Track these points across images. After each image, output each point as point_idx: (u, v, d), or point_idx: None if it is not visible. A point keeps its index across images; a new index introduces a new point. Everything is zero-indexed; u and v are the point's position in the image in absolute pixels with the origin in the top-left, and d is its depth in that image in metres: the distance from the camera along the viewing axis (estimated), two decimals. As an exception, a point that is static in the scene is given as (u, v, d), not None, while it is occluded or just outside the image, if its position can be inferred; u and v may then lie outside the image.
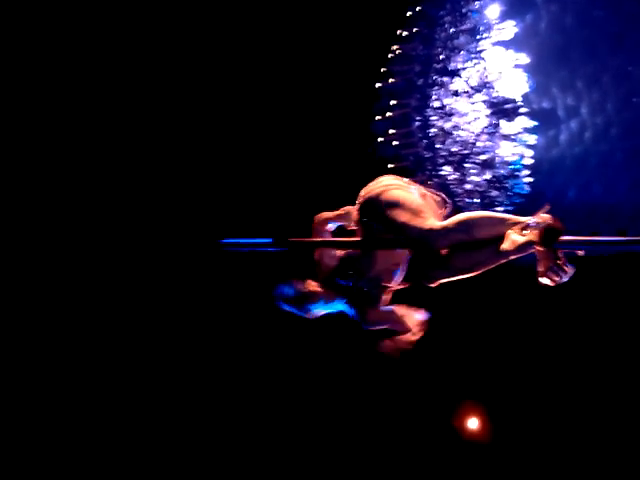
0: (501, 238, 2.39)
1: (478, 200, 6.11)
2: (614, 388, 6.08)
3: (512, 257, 2.37)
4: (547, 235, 2.29)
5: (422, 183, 2.82)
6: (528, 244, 2.32)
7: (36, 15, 5.68)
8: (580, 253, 2.41)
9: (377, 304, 2.71)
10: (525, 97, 6.06)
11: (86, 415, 6.03)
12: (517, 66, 6.00)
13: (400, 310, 2.77)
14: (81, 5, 5.78)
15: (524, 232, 2.35)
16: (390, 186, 2.66)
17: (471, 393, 6.54)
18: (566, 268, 2.37)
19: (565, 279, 2.39)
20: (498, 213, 2.56)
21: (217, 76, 6.15)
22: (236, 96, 6.17)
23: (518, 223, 2.39)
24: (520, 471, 6.26)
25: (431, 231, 2.43)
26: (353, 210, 2.82)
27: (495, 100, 6.03)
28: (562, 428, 6.23)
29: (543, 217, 2.33)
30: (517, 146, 6.07)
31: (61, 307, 5.93)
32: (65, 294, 5.93)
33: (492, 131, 6.05)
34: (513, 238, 2.34)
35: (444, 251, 2.43)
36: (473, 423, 6.52)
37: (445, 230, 2.42)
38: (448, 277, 2.49)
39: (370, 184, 2.74)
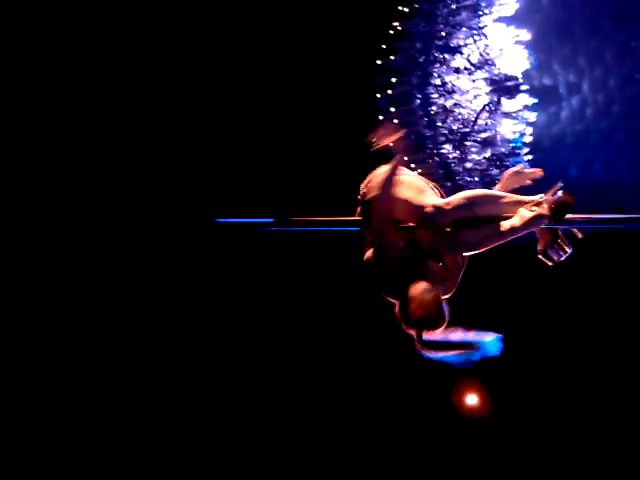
0: (506, 216, 2.41)
1: (478, 178, 6.11)
2: (614, 364, 6.13)
3: (521, 233, 2.36)
4: (558, 209, 2.30)
5: (419, 166, 2.80)
6: (537, 218, 2.33)
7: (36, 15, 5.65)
8: (579, 236, 2.44)
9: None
10: (526, 74, 6.02)
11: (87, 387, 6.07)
12: (518, 42, 5.96)
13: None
14: (81, 5, 5.75)
15: (533, 208, 2.36)
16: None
17: (469, 370, 6.59)
18: (565, 247, 2.41)
19: (564, 258, 2.43)
20: (502, 192, 2.57)
21: (217, 58, 6.10)
22: (236, 76, 6.12)
23: (522, 202, 2.40)
24: (519, 447, 6.34)
25: (434, 207, 2.45)
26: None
27: (496, 77, 6.00)
28: (560, 404, 6.29)
29: (553, 192, 2.34)
30: (518, 124, 6.06)
31: (58, 286, 5.94)
32: (63, 275, 5.94)
33: (493, 109, 6.03)
34: (522, 213, 2.36)
35: (448, 228, 2.44)
36: (472, 399, 6.59)
37: (448, 206, 2.44)
38: (455, 253, 2.50)
39: (368, 177, 2.73)
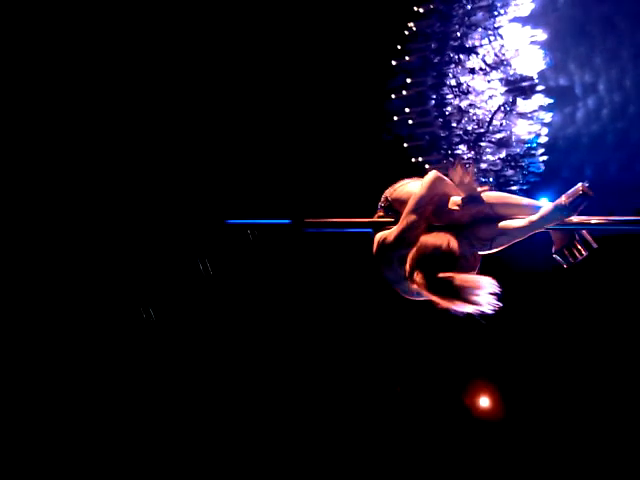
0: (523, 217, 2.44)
1: (493, 179, 6.10)
2: (626, 365, 6.08)
3: (539, 228, 2.38)
4: (576, 198, 2.32)
5: (433, 166, 2.83)
6: (555, 209, 2.34)
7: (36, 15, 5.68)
8: (594, 245, 2.44)
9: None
10: (542, 74, 5.99)
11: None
12: (534, 43, 5.93)
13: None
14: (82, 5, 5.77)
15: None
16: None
17: (482, 371, 6.58)
18: (581, 249, 2.41)
19: (579, 260, 2.43)
20: (523, 197, 2.59)
21: (231, 60, 6.13)
22: (249, 78, 6.15)
23: (539, 205, 2.43)
24: (531, 449, 6.31)
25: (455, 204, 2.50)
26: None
27: (512, 78, 5.98)
28: (572, 409, 6.26)
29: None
30: (533, 124, 6.03)
31: (73, 282, 5.98)
32: (74, 274, 5.97)
33: (508, 109, 6.01)
34: (540, 210, 2.40)
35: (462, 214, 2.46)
36: (484, 401, 6.56)
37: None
38: (470, 249, 2.51)
39: (393, 186, 2.79)
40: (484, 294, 2.17)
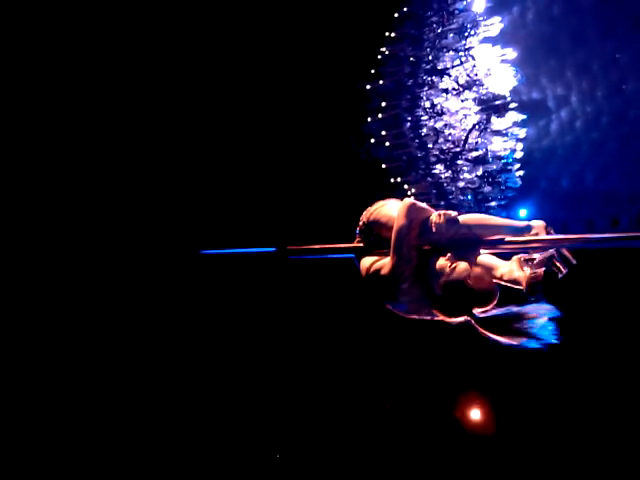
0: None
1: (471, 197, 6.18)
2: (612, 379, 6.11)
3: (503, 283, 2.49)
4: (532, 287, 2.39)
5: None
6: (517, 283, 2.44)
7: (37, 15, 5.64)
8: (573, 262, 2.49)
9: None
10: (514, 90, 6.10)
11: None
12: (505, 61, 6.06)
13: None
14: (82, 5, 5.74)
15: (525, 267, 2.45)
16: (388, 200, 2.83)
17: (473, 384, 6.58)
18: (561, 267, 2.46)
19: (559, 278, 2.47)
20: (500, 218, 2.66)
21: (201, 88, 6.15)
22: (228, 102, 6.18)
23: (517, 228, 2.50)
24: (523, 464, 6.30)
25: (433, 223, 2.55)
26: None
27: (484, 97, 6.09)
28: (564, 424, 6.27)
29: (541, 259, 2.42)
30: (508, 140, 6.13)
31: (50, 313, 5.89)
32: (51, 305, 5.89)
33: (483, 127, 6.11)
34: (512, 267, 2.48)
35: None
36: (476, 414, 6.56)
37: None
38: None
39: (369, 209, 2.83)
40: (544, 322, 2.24)
